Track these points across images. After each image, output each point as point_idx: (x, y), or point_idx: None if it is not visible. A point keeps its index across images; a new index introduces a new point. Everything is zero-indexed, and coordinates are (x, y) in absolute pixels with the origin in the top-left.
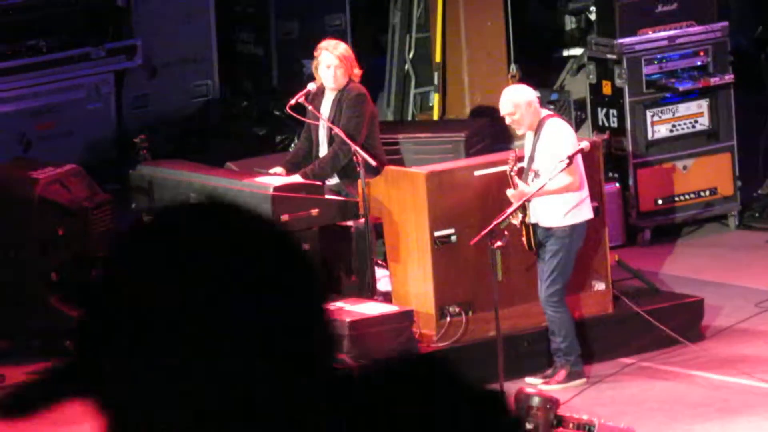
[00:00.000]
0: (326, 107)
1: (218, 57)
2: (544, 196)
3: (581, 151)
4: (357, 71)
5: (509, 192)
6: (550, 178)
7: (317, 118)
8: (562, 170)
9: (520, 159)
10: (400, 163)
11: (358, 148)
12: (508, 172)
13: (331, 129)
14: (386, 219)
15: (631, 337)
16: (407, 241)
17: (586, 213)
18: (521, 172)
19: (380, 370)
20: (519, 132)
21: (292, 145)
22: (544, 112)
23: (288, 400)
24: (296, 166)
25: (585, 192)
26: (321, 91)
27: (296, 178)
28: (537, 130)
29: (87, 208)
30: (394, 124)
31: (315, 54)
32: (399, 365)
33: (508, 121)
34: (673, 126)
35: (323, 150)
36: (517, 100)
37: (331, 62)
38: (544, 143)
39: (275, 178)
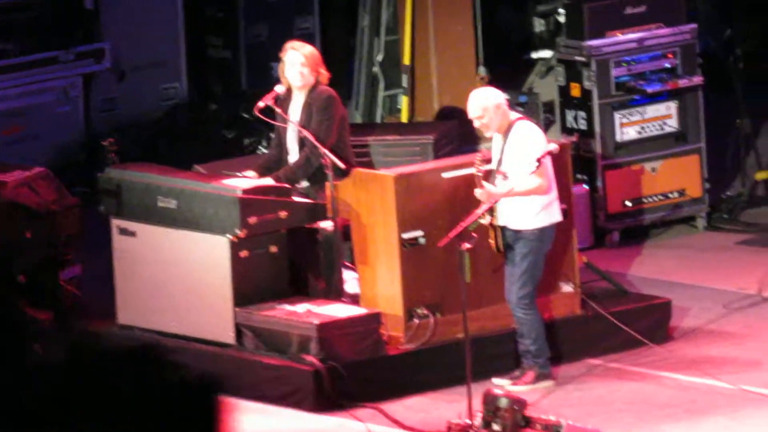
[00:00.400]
0: (295, 110)
1: (187, 60)
2: (513, 198)
3: (550, 153)
4: (324, 72)
5: (477, 192)
6: (519, 180)
7: (286, 122)
8: (531, 173)
9: (488, 161)
10: (369, 165)
11: (326, 151)
12: (474, 173)
13: (300, 132)
14: (354, 221)
15: (598, 338)
16: (375, 243)
17: (555, 215)
18: (489, 175)
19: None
20: (487, 135)
21: (260, 148)
22: (513, 114)
23: None
24: (268, 171)
25: (554, 194)
26: (289, 94)
27: (266, 181)
28: (505, 133)
29: (55, 211)
30: (362, 127)
31: (281, 55)
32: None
33: (476, 124)
34: (642, 128)
35: (293, 153)
36: (485, 104)
37: (297, 60)
38: (513, 146)
39: (243, 181)
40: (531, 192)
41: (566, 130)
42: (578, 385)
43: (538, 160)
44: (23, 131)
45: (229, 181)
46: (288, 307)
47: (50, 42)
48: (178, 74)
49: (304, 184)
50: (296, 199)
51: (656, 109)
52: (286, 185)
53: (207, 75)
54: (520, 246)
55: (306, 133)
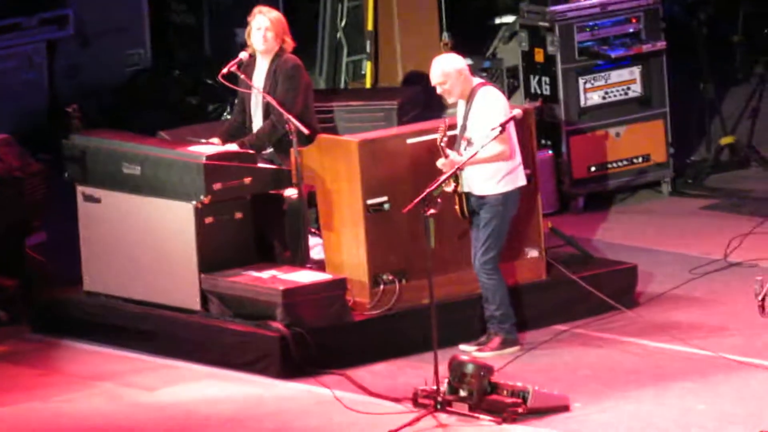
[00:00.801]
0: (259, 76)
1: (150, 26)
2: (476, 164)
3: (513, 118)
4: (289, 41)
5: (440, 162)
6: (483, 146)
7: (250, 88)
8: (494, 138)
9: (452, 127)
10: (333, 131)
11: (290, 117)
12: (438, 143)
13: (264, 99)
14: (319, 187)
15: (564, 304)
16: (340, 209)
17: (519, 180)
18: (453, 141)
19: None
20: (450, 101)
21: (225, 114)
22: (476, 80)
23: None
24: (232, 137)
25: (518, 159)
26: (253, 60)
27: (231, 147)
28: (468, 99)
29: (20, 178)
30: (326, 92)
31: (248, 19)
32: None
33: (438, 90)
34: (606, 93)
35: (257, 119)
36: (447, 69)
37: (262, 24)
38: (476, 112)
39: (207, 147)
40: (494, 158)
41: (530, 96)
42: (544, 351)
43: (502, 125)
44: None
45: (193, 148)
46: (253, 273)
47: (14, 8)
48: (142, 40)
49: (269, 150)
50: (261, 165)
51: (620, 74)
52: (251, 151)
53: (170, 41)
54: (484, 211)
55: (273, 102)
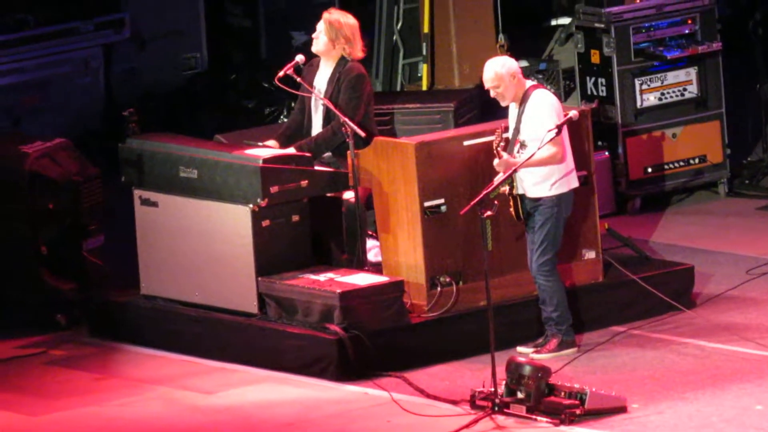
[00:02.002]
0: (321, 81)
1: (207, 29)
2: (530, 167)
3: (570, 120)
4: (355, 45)
5: (495, 162)
6: (539, 147)
7: (310, 91)
8: (551, 140)
9: (506, 131)
10: (391, 134)
11: (347, 119)
12: (494, 146)
13: (325, 103)
14: (376, 190)
15: (622, 305)
16: (397, 211)
17: (572, 182)
18: (507, 144)
19: None
20: (503, 104)
21: (281, 117)
22: (529, 83)
23: None
24: (290, 139)
25: (570, 163)
26: (317, 63)
27: (288, 151)
28: (522, 102)
29: (77, 182)
30: (383, 95)
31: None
32: None
33: (492, 94)
34: (662, 94)
35: (316, 122)
36: (499, 72)
37: (319, 27)
38: (530, 114)
39: (264, 150)
40: (547, 161)
41: (586, 97)
42: (602, 353)
43: (558, 127)
44: (44, 102)
45: (250, 151)
46: (311, 276)
47: (70, 13)
48: (198, 43)
49: (327, 153)
50: (318, 168)
51: (676, 75)
52: (308, 154)
53: (227, 44)
54: (539, 214)
55: (331, 106)
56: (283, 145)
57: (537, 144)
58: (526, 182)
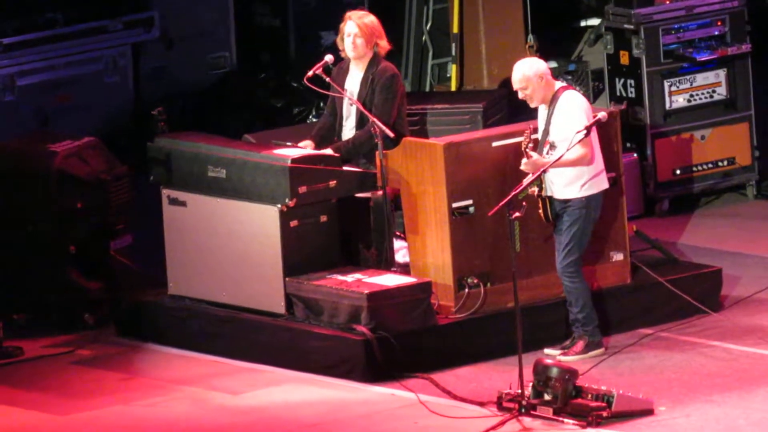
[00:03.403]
0: (353, 83)
1: (235, 29)
2: (558, 168)
3: (598, 121)
4: (384, 44)
5: (523, 162)
6: (568, 149)
7: (338, 92)
8: (580, 141)
9: (535, 132)
10: (420, 134)
11: (375, 120)
12: (523, 147)
13: (356, 104)
14: (404, 190)
15: (649, 307)
16: (425, 212)
17: (602, 184)
18: (536, 145)
19: None
20: (532, 105)
21: (310, 117)
22: (558, 84)
23: None
24: (323, 140)
25: (599, 164)
26: (347, 66)
27: (318, 151)
28: (551, 103)
29: (106, 181)
30: (412, 96)
31: (341, 25)
32: None
33: (520, 95)
34: (691, 96)
35: (349, 123)
36: (527, 74)
37: (352, 30)
38: (559, 116)
39: (293, 150)
40: (575, 162)
41: (615, 99)
42: (629, 355)
43: (587, 128)
44: (72, 101)
45: (278, 151)
46: (338, 277)
47: (99, 11)
48: (227, 43)
49: None
50: (346, 168)
51: (705, 76)
52: (337, 155)
53: (255, 44)
54: (568, 215)
55: (363, 109)
56: (317, 146)
57: (566, 145)
58: (556, 184)
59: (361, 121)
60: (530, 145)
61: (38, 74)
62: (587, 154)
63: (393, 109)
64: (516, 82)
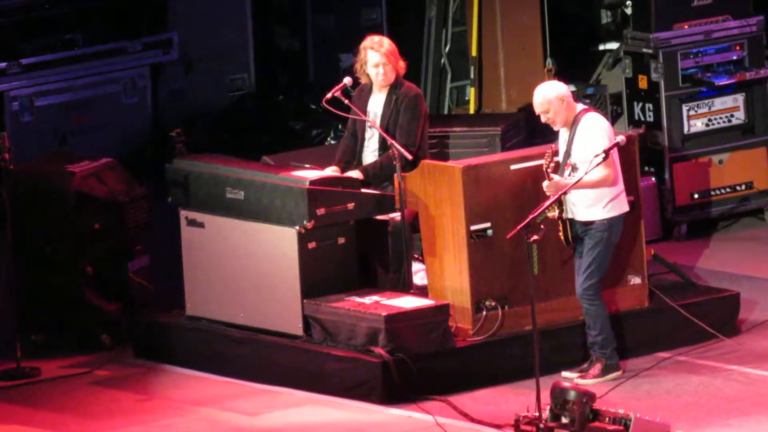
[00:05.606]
0: (377, 105)
1: (254, 51)
2: (580, 190)
3: (617, 145)
4: (402, 65)
5: (545, 184)
6: (587, 171)
7: (360, 115)
8: (598, 164)
9: (556, 154)
10: (437, 157)
11: (393, 142)
12: (544, 168)
13: (379, 127)
14: (422, 213)
15: (667, 331)
16: (443, 234)
17: (623, 207)
18: (557, 167)
19: None
20: (555, 128)
21: (329, 140)
22: (579, 106)
23: None
24: (348, 165)
25: (621, 186)
26: (368, 89)
27: (336, 173)
28: (572, 125)
29: (123, 202)
30: (430, 118)
31: (359, 55)
32: None
33: (542, 119)
34: (709, 120)
35: (371, 147)
36: (548, 97)
37: (379, 60)
38: (580, 138)
39: (311, 172)
40: (598, 184)
41: (633, 122)
42: (646, 378)
43: (606, 152)
44: (91, 122)
45: (297, 173)
46: (356, 299)
47: (118, 32)
48: (246, 65)
49: None
50: (364, 190)
51: (723, 101)
52: (361, 177)
53: (274, 66)
54: (589, 237)
55: (383, 134)
56: (343, 171)
57: (587, 167)
58: (578, 205)
59: (384, 143)
60: (552, 166)
61: (57, 95)
62: (610, 175)
63: (418, 128)
64: (537, 105)
